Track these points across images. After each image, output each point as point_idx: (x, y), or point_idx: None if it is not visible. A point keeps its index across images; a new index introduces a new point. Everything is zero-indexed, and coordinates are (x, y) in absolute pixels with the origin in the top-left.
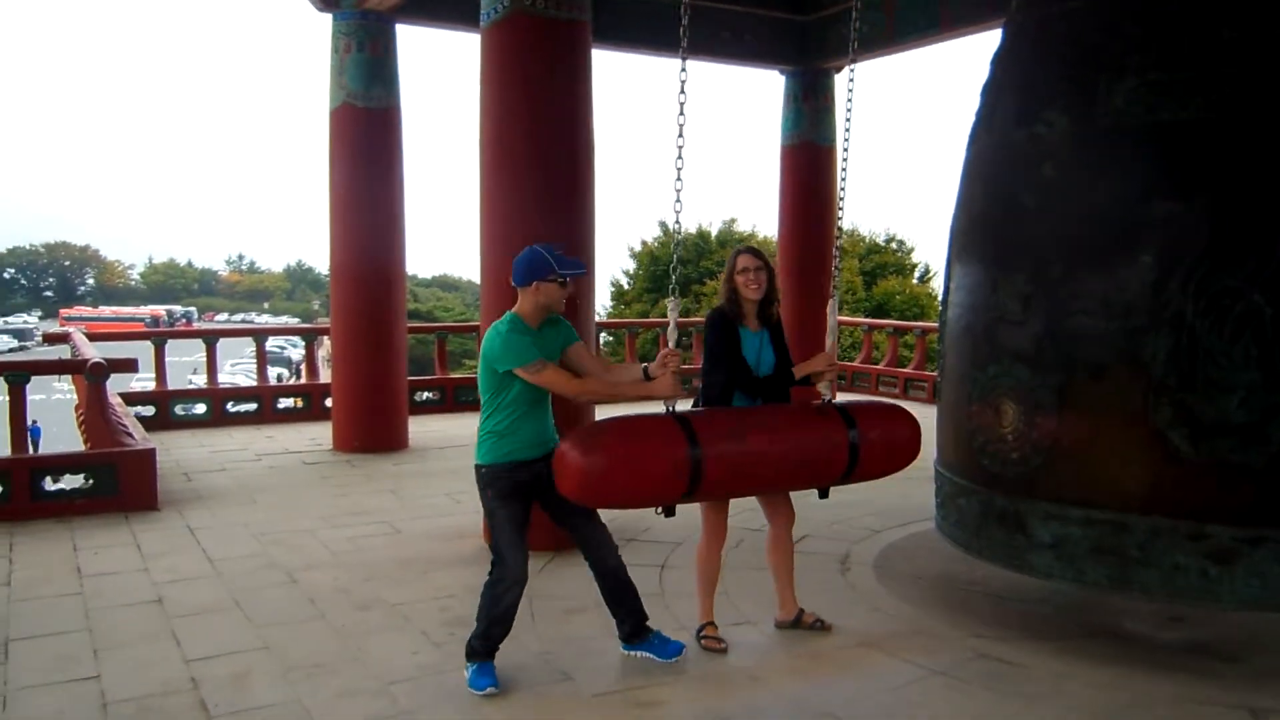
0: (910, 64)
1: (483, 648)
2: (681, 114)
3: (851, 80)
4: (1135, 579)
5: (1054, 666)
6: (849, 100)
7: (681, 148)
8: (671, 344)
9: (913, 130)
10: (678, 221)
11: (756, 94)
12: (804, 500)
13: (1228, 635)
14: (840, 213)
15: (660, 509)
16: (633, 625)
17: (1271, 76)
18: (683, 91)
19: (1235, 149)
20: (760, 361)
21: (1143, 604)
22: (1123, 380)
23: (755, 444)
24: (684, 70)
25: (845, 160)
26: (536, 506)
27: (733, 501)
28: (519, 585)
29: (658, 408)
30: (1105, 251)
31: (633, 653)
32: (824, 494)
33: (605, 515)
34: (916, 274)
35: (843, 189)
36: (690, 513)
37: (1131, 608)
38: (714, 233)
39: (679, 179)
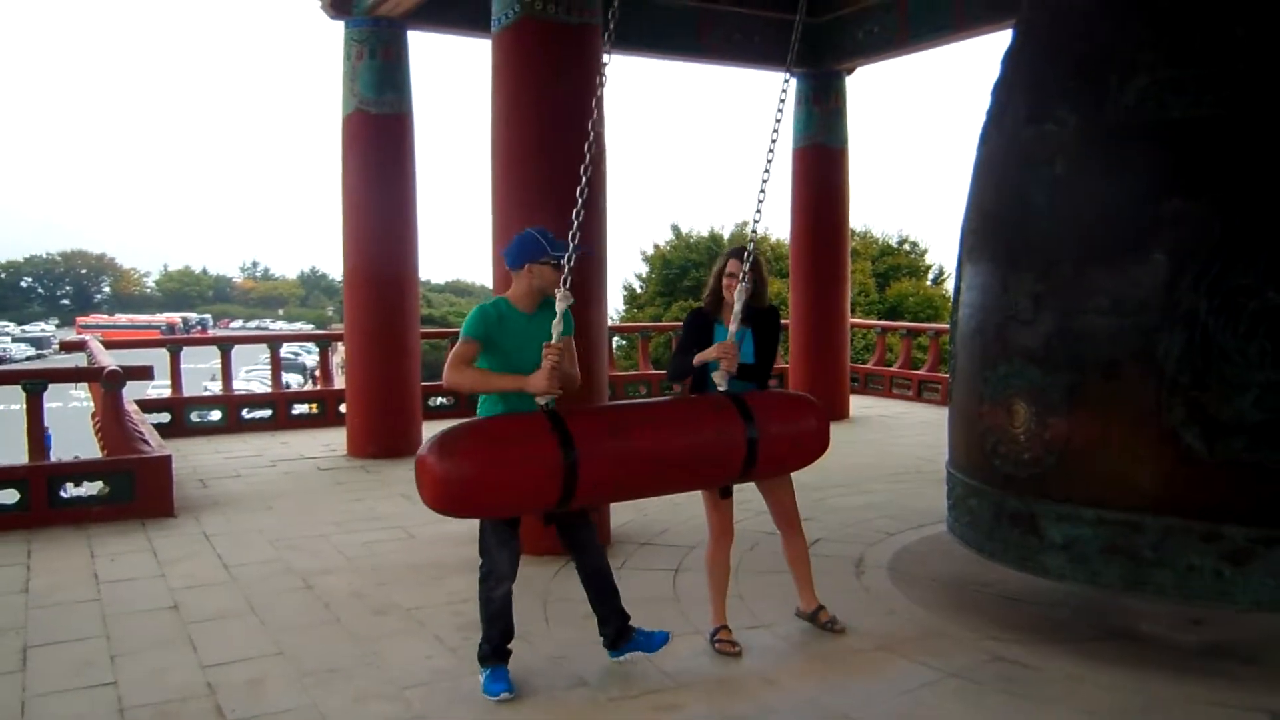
0: (923, 65)
1: (490, 651)
2: (601, 87)
3: (784, 90)
4: (1149, 580)
5: (1069, 669)
6: (780, 104)
7: (594, 136)
8: (555, 338)
9: (926, 131)
10: (579, 211)
11: (768, 97)
12: (819, 503)
13: (1245, 637)
14: (758, 216)
15: (541, 516)
16: (617, 627)
17: None
18: (602, 74)
19: (1248, 146)
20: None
21: (1159, 606)
22: (1135, 379)
23: (638, 442)
24: (607, 55)
25: (770, 163)
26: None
27: (747, 505)
28: (506, 581)
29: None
30: (1117, 249)
31: (622, 657)
32: (725, 493)
33: (614, 521)
34: (930, 276)
35: (763, 192)
36: (705, 516)
37: (1148, 610)
38: (726, 235)
39: (586, 167)
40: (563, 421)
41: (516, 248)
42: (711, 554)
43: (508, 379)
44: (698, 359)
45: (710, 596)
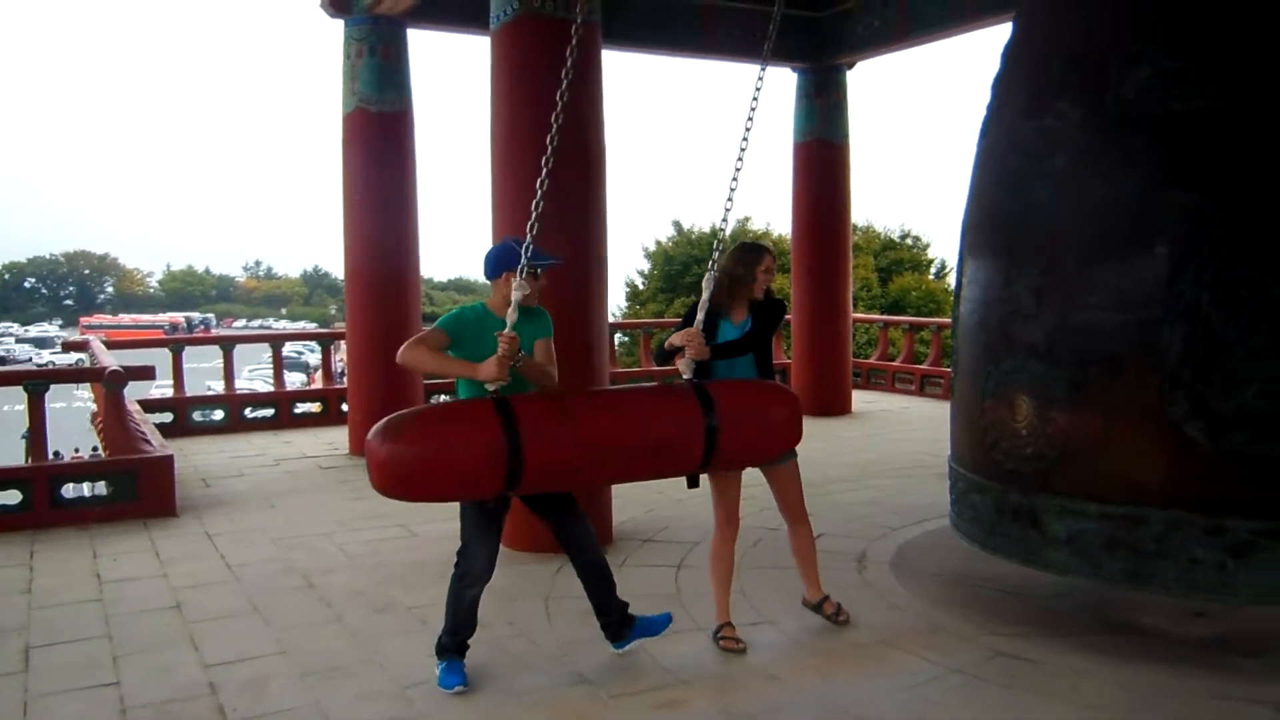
0: (922, 58)
1: (451, 644)
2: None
3: (760, 82)
4: (1152, 573)
5: (1072, 663)
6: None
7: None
8: (510, 326)
9: (928, 125)
10: (539, 203)
11: (770, 93)
12: (822, 498)
13: (1249, 630)
14: (729, 205)
15: (486, 502)
16: (618, 619)
17: None
18: (567, 76)
19: (1250, 138)
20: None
21: (1162, 599)
22: (1138, 373)
23: (588, 429)
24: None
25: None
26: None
27: (750, 500)
28: (481, 582)
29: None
30: (1119, 243)
31: (626, 647)
32: (692, 482)
33: (616, 518)
34: (932, 270)
35: (736, 182)
36: (708, 512)
37: (1150, 603)
38: (727, 231)
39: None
40: (509, 406)
41: (493, 258)
42: (716, 546)
43: (460, 364)
44: (667, 344)
45: (714, 592)
